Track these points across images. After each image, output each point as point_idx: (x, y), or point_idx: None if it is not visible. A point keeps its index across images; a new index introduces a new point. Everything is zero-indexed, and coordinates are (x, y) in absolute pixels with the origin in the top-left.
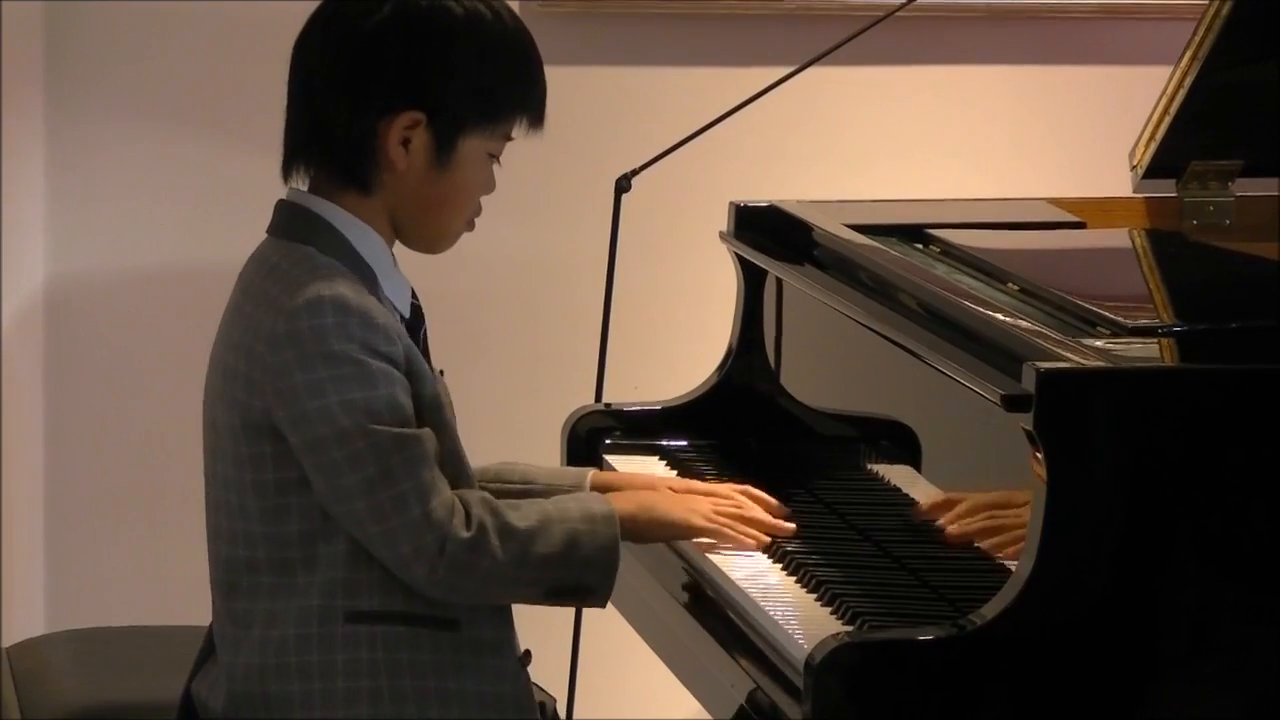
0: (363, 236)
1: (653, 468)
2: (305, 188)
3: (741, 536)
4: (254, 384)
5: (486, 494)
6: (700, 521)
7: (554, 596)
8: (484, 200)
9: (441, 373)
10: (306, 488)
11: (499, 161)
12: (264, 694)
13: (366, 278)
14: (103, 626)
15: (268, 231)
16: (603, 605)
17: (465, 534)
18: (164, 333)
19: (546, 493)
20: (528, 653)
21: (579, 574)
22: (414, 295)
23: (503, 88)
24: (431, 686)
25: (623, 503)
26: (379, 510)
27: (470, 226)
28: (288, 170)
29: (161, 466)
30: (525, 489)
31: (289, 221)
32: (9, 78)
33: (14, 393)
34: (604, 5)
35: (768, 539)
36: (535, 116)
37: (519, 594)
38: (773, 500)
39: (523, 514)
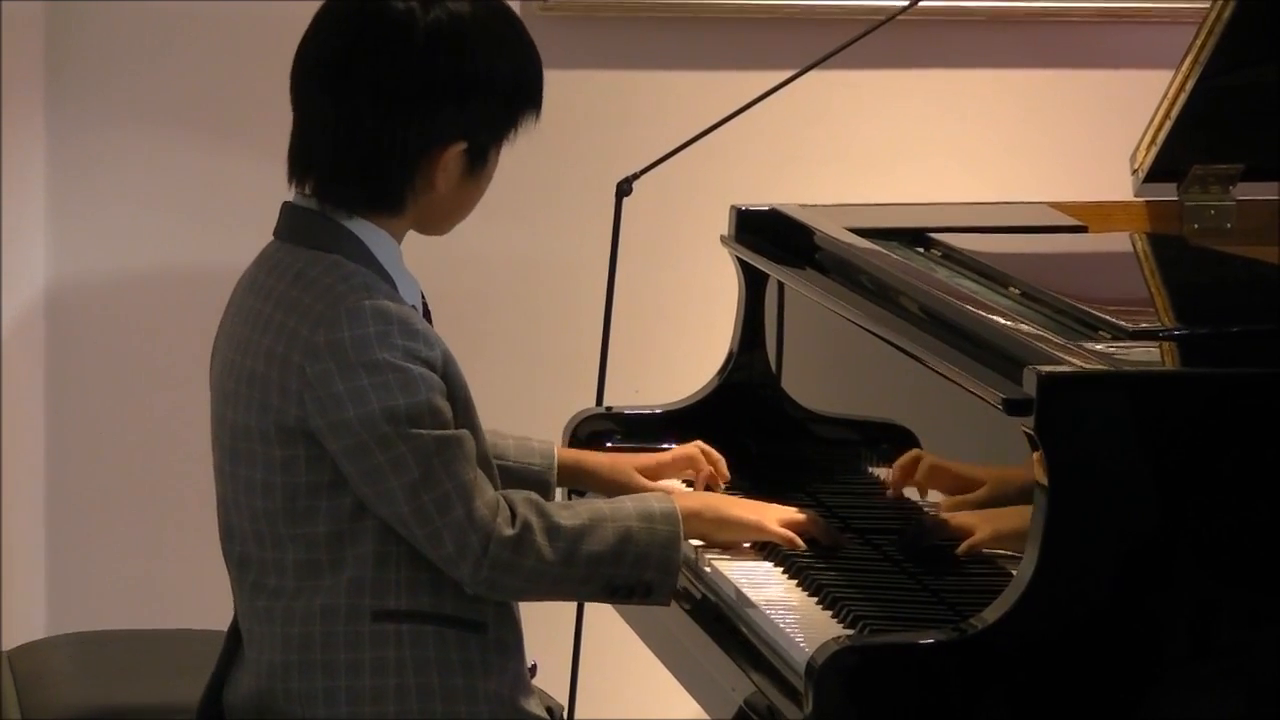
0: (376, 238)
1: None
2: (307, 192)
3: (803, 548)
4: (289, 392)
5: (533, 494)
6: (772, 525)
7: (613, 594)
8: (485, 201)
9: None
10: (335, 491)
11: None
12: (286, 690)
13: (387, 283)
14: (103, 630)
15: (276, 235)
16: (665, 603)
17: (509, 532)
18: (165, 336)
19: (519, 470)
20: (534, 665)
21: (635, 571)
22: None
23: (523, 97)
24: (460, 684)
25: (687, 500)
26: (423, 513)
27: None
28: (300, 178)
29: (162, 470)
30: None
31: (305, 227)
32: (10, 80)
33: (15, 396)
34: (605, 8)
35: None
36: (539, 111)
37: (573, 592)
38: (832, 530)
39: (573, 513)
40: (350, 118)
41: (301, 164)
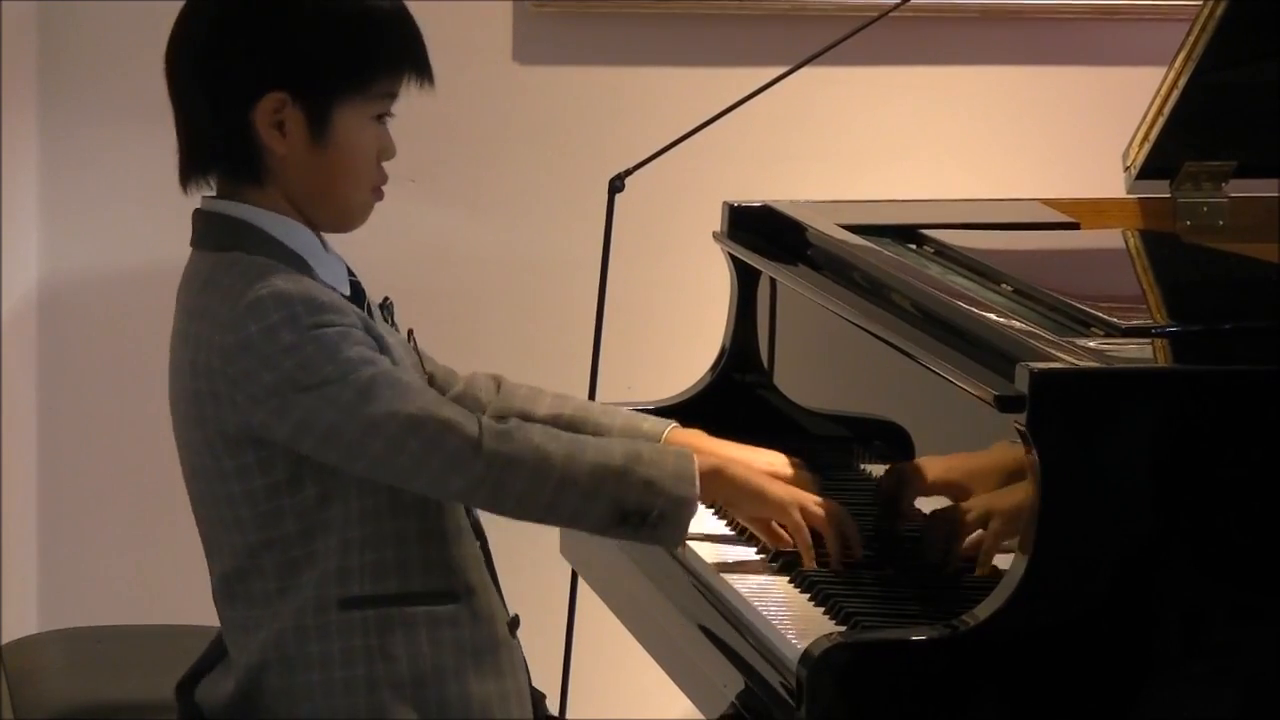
0: (284, 227)
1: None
2: (213, 194)
3: (808, 551)
4: (221, 399)
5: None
6: (795, 514)
7: (623, 521)
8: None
9: (410, 332)
10: (294, 486)
11: (390, 117)
12: (267, 689)
13: (299, 267)
14: (96, 625)
15: (190, 245)
16: (676, 542)
17: (499, 426)
18: (157, 332)
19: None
20: (516, 618)
21: (646, 494)
22: (351, 273)
23: (359, 49)
24: (428, 667)
25: (710, 457)
26: (396, 442)
27: (378, 195)
28: (185, 183)
29: (155, 465)
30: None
31: (209, 231)
32: (4, 78)
33: (8, 391)
34: (597, 5)
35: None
36: (414, 69)
37: (579, 506)
38: (856, 540)
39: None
40: (179, 97)
41: (179, 165)
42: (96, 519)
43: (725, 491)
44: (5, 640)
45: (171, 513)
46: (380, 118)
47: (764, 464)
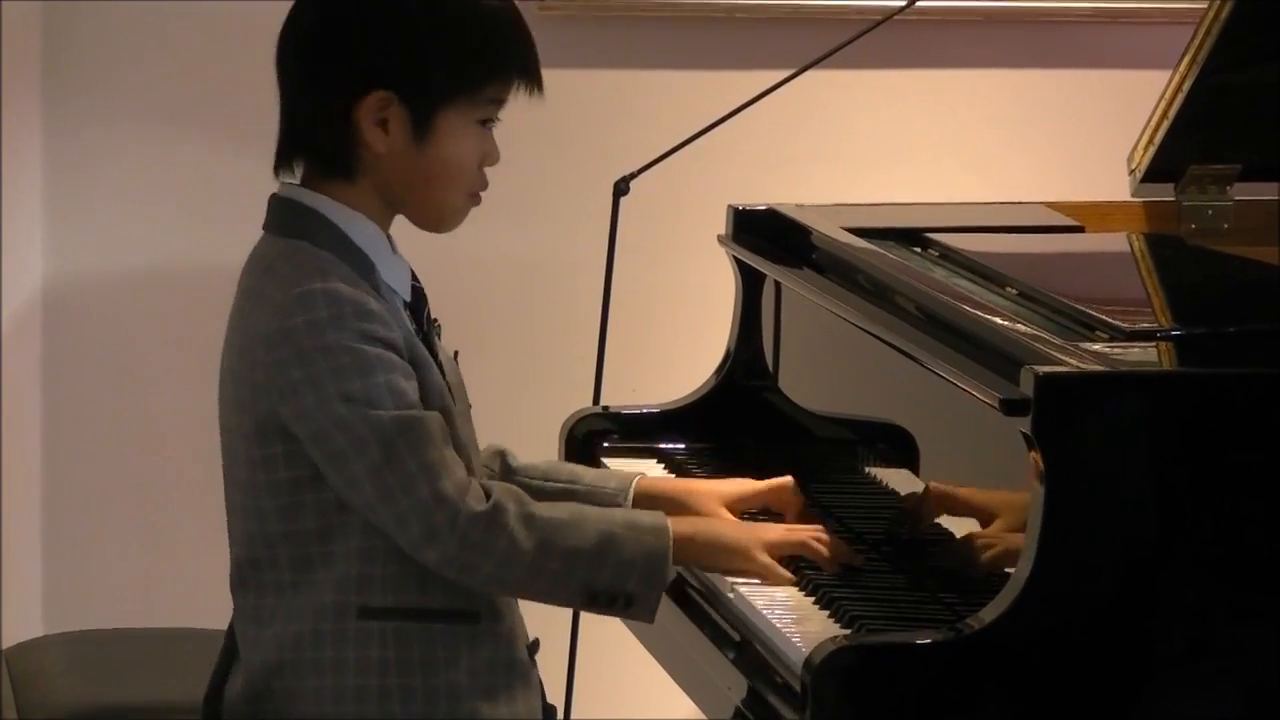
0: (355, 224)
1: (654, 471)
2: (297, 182)
3: (789, 580)
4: (257, 385)
5: (516, 487)
6: (758, 555)
7: (592, 600)
8: (483, 200)
9: (456, 354)
10: (320, 484)
11: (496, 122)
12: (278, 689)
13: (363, 265)
14: (100, 628)
15: (263, 228)
16: (649, 619)
17: (479, 509)
18: (161, 333)
19: (589, 493)
20: (536, 641)
21: (617, 578)
22: (415, 278)
23: (473, 54)
24: (442, 685)
25: (680, 525)
26: (387, 494)
27: (476, 200)
28: (279, 168)
29: (159, 467)
30: (569, 488)
31: (282, 217)
32: (7, 78)
33: (12, 393)
34: (603, 8)
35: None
36: (525, 77)
37: (550, 589)
38: (843, 546)
39: (554, 508)
40: (285, 85)
41: (276, 150)
42: (101, 521)
43: (698, 558)
44: (9, 643)
45: (176, 515)
46: (485, 123)
47: (729, 493)
